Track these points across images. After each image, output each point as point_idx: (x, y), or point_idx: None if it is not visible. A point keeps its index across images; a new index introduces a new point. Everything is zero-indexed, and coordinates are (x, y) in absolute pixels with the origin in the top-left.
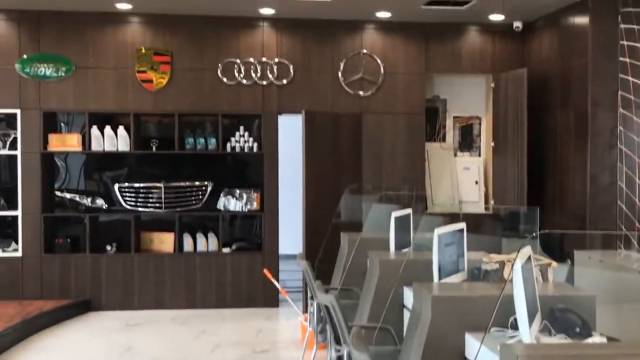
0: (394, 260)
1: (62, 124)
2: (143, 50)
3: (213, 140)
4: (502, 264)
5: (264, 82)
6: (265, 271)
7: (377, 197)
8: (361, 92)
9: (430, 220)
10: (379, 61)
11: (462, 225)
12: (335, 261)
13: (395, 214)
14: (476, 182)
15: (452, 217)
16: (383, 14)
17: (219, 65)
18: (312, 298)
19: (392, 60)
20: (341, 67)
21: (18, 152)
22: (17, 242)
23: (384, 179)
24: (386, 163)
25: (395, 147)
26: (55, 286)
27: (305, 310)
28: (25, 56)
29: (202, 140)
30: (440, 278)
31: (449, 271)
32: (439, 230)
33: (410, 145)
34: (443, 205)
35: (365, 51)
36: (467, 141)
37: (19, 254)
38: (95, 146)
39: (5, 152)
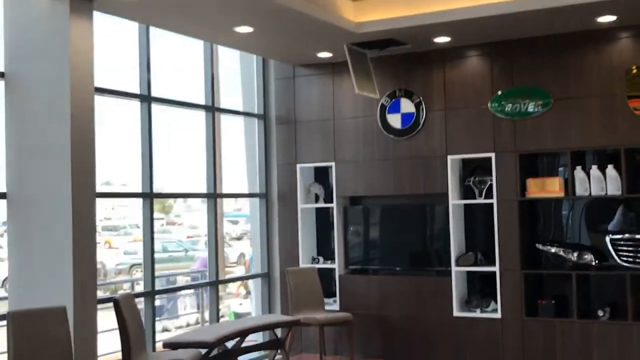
0: None
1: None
2: (634, 70)
3: None
4: None
5: None
6: None
7: None
8: None
9: None
10: None
11: None
12: None
13: None
14: None
15: None
16: None
17: None
18: None
19: None
20: None
21: (494, 201)
22: (496, 302)
23: None
24: None
25: None
26: (539, 356)
27: None
28: (499, 92)
29: None
30: None
31: None
32: None
33: None
34: None
35: None
36: None
37: (499, 315)
38: (580, 190)
39: (482, 200)
